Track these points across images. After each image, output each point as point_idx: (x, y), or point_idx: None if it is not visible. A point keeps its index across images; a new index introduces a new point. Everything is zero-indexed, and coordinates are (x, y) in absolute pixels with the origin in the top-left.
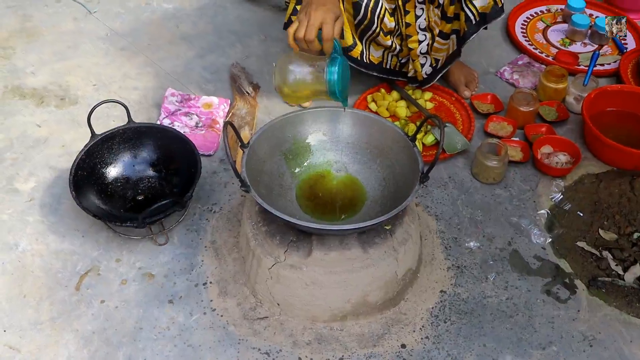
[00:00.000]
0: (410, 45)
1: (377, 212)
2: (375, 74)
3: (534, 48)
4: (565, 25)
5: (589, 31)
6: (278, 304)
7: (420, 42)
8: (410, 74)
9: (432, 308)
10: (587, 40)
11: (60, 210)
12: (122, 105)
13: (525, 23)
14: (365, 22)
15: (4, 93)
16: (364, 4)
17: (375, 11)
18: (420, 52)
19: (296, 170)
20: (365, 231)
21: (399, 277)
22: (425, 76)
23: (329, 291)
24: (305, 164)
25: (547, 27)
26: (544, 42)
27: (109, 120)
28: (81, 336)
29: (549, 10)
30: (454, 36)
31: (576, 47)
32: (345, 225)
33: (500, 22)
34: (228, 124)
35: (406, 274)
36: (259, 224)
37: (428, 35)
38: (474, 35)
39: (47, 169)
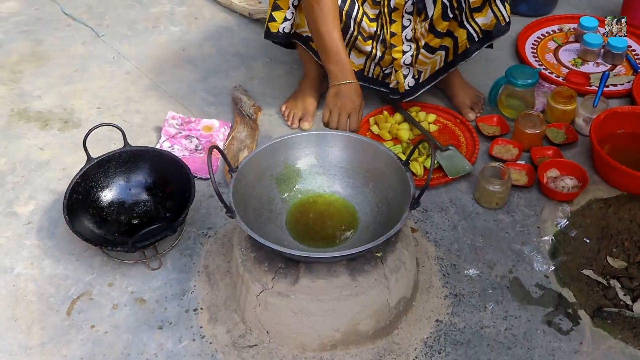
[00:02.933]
0: (394, 55)
1: (368, 239)
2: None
3: (544, 68)
4: (577, 45)
5: (602, 50)
6: (267, 332)
7: (404, 52)
8: (392, 85)
9: (427, 338)
10: (600, 60)
11: (57, 234)
12: (118, 128)
13: (536, 43)
14: (341, 25)
15: (10, 117)
16: (338, 7)
17: (351, 14)
18: (404, 63)
19: (287, 195)
20: (355, 258)
21: (391, 306)
22: (407, 88)
23: (317, 319)
24: (296, 188)
25: (559, 46)
26: (555, 62)
27: (110, 144)
28: None
29: (560, 30)
30: (442, 52)
31: (588, 67)
32: (330, 253)
33: (508, 42)
34: (214, 147)
35: (399, 302)
36: (248, 249)
37: (413, 45)
38: (476, 53)
39: (46, 192)
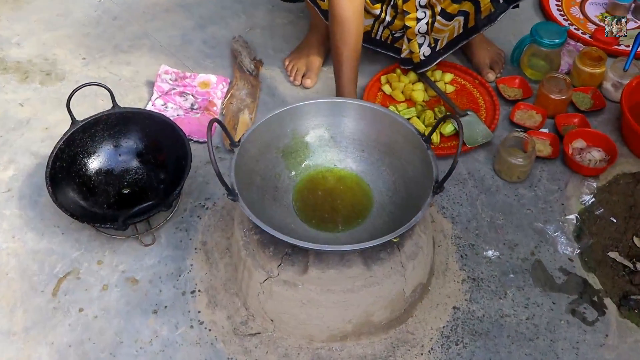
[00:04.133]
0: (407, 23)
1: (384, 222)
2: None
3: (569, 24)
4: None
5: (633, 5)
6: (271, 320)
7: (418, 20)
8: (404, 55)
9: (443, 327)
10: (630, 16)
11: (40, 203)
12: (105, 88)
13: None
14: None
15: None
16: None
17: None
18: (419, 32)
19: (294, 170)
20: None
21: (406, 295)
22: (422, 58)
23: (327, 311)
24: (305, 162)
25: None
26: (581, 17)
27: (97, 100)
28: (56, 350)
29: None
30: (461, 18)
31: None
32: (345, 246)
33: None
34: (214, 121)
35: (415, 289)
36: (250, 231)
37: (428, 12)
38: (502, 15)
39: (28, 155)
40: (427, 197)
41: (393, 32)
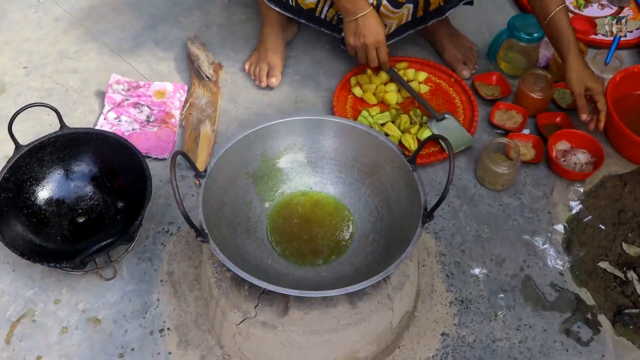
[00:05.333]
0: None
1: (368, 253)
2: (303, 21)
3: None
4: None
5: None
6: None
7: None
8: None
9: (433, 357)
10: (604, 2)
11: None
12: (52, 109)
13: None
14: None
15: None
16: None
17: None
18: None
19: (266, 197)
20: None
21: (393, 326)
22: None
23: (310, 352)
24: (278, 187)
25: None
26: None
27: (43, 116)
28: None
29: None
30: (410, 6)
31: (592, 10)
32: (330, 292)
33: None
34: (178, 153)
35: (402, 319)
36: (222, 267)
37: None
38: (452, 11)
39: None
40: (414, 226)
41: (338, 12)
